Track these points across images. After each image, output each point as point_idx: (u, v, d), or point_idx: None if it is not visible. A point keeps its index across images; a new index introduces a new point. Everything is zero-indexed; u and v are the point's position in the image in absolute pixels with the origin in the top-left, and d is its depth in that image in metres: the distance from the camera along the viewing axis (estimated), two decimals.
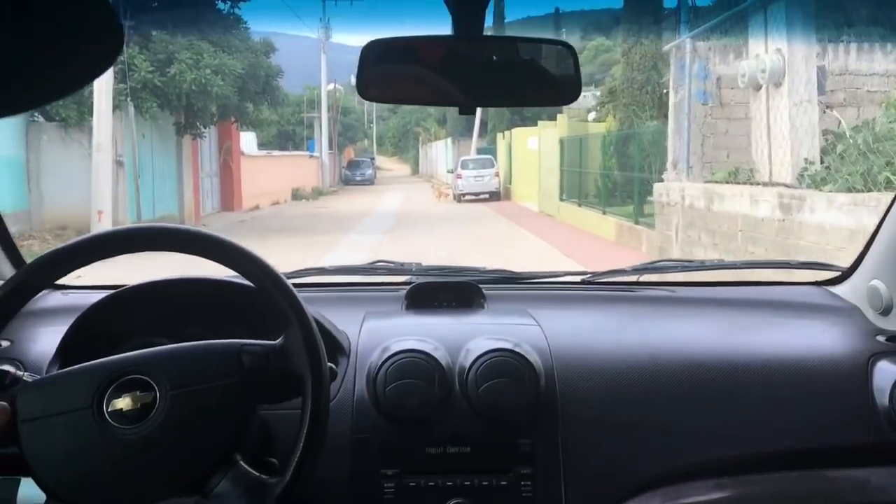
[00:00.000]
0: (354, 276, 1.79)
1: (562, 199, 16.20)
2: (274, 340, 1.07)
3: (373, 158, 43.14)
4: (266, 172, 22.62)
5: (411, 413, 1.24)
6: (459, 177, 22.86)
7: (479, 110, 26.21)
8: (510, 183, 22.99)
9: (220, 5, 14.88)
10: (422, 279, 1.65)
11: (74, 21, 0.46)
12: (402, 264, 1.75)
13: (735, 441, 1.31)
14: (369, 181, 36.47)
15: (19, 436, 0.99)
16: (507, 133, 24.83)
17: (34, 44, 0.44)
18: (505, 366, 1.25)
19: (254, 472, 1.01)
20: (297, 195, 24.88)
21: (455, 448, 1.25)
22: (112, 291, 1.31)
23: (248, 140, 28.13)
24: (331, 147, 33.25)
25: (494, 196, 22.36)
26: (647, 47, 13.47)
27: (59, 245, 1.06)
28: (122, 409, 0.99)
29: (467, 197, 22.35)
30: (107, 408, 0.99)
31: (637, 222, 11.15)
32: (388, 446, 1.25)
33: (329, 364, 1.05)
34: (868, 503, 1.32)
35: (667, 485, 1.29)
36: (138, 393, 1.00)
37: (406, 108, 45.44)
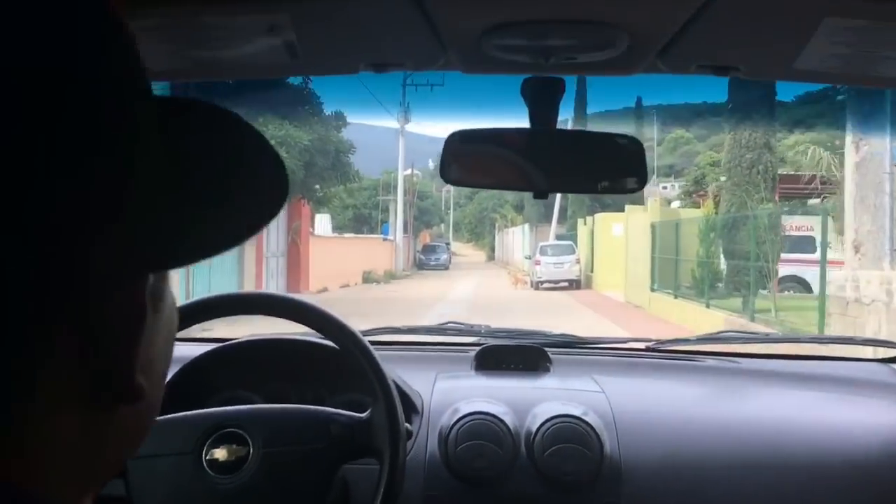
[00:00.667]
0: (425, 336, 1.87)
1: (653, 289, 14.67)
2: (355, 403, 1.25)
3: (448, 244, 42.51)
4: (337, 254, 21.96)
5: (480, 473, 1.28)
6: (538, 263, 21.59)
7: (558, 197, 24.86)
8: (591, 271, 21.54)
9: (294, 80, 14.31)
10: (490, 341, 1.70)
11: (240, 167, 0.45)
12: (471, 326, 1.83)
13: None
14: (444, 266, 35.59)
15: (127, 472, 1.07)
16: (588, 219, 23.63)
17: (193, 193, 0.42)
18: (570, 431, 1.28)
19: None
20: (368, 278, 24.28)
21: None
22: (213, 346, 1.41)
23: (322, 222, 27.95)
24: (405, 231, 32.66)
25: (574, 284, 20.96)
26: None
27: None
28: (218, 458, 1.09)
29: (545, 284, 20.97)
30: (205, 456, 1.09)
31: (753, 319, 9.49)
32: None
33: (405, 424, 1.13)
34: None
35: None
36: (234, 446, 1.10)
37: (483, 194, 45.12)
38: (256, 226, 0.46)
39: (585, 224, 23.70)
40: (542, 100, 1.05)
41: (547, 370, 1.58)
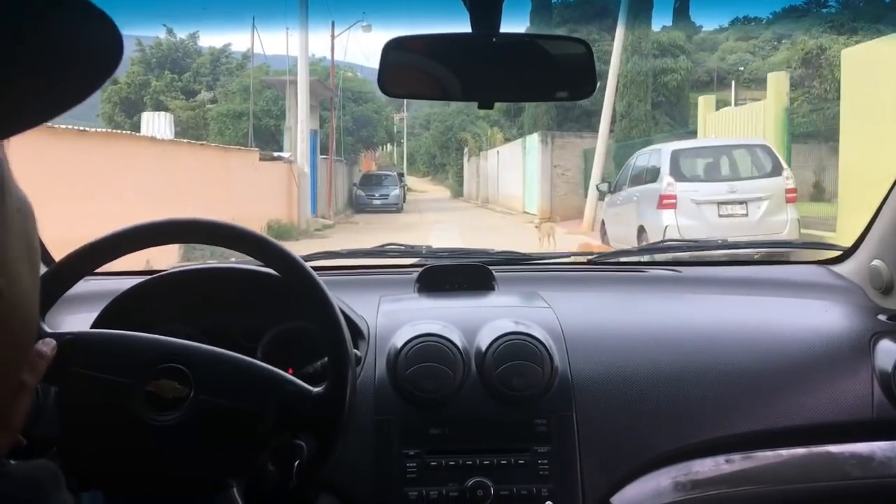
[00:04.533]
0: (365, 259, 1.80)
1: None
2: (299, 332, 1.32)
3: (402, 173, 29.60)
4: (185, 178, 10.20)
5: (431, 395, 1.27)
6: (670, 199, 8.49)
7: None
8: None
9: None
10: (432, 261, 1.68)
11: (71, 31, 0.44)
12: (412, 247, 1.81)
13: (742, 419, 1.34)
14: (395, 206, 22.96)
15: (58, 380, 1.00)
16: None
17: (29, 59, 0.42)
18: (520, 348, 1.29)
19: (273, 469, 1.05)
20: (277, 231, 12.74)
21: (473, 429, 1.28)
22: (138, 280, 1.35)
23: (154, 122, 15.00)
24: (323, 152, 19.60)
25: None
26: None
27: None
28: (158, 393, 1.02)
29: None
30: (145, 386, 1.02)
31: None
32: (409, 427, 1.28)
33: (354, 350, 1.11)
34: (871, 477, 1.36)
35: (678, 461, 1.32)
36: (176, 384, 1.02)
37: (450, 109, 32.34)
38: (85, 92, 0.46)
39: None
40: (481, 1, 1.02)
41: (492, 289, 1.58)
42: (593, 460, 1.27)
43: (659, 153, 9.29)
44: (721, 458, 1.33)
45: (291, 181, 15.38)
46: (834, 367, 1.39)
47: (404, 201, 26.11)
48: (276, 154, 16.55)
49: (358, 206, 23.38)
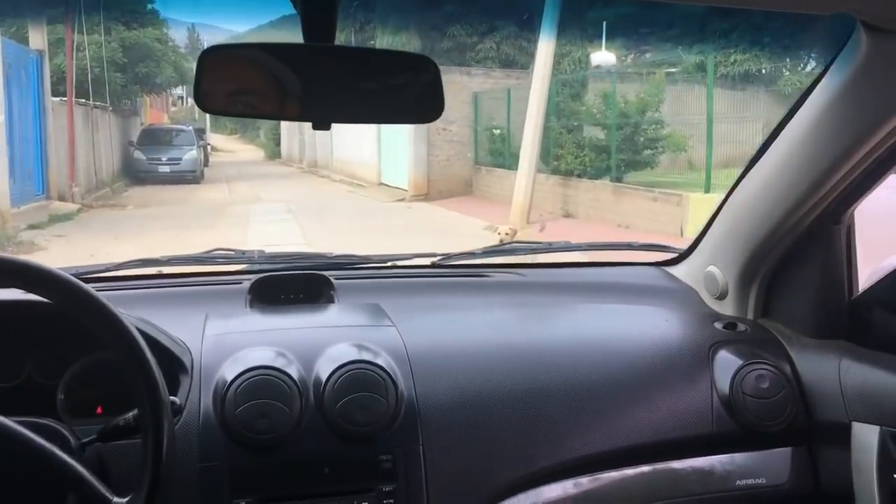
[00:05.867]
0: (192, 266, 1.61)
1: None
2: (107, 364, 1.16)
3: (202, 129, 22.61)
4: None
5: (264, 436, 1.15)
6: None
7: None
8: None
9: None
10: (265, 267, 1.57)
11: None
12: (243, 252, 1.65)
13: (588, 440, 1.32)
14: (191, 174, 16.40)
15: None
16: None
17: None
18: (363, 378, 1.19)
19: None
20: None
21: (313, 471, 1.18)
22: None
23: None
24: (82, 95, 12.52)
25: None
26: None
27: None
28: None
29: None
30: None
31: None
32: (240, 474, 1.16)
33: (171, 398, 0.98)
34: (712, 492, 1.37)
35: (527, 488, 1.28)
36: None
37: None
38: None
39: None
40: (315, 7, 0.90)
41: (331, 300, 1.49)
42: (442, 494, 1.22)
43: None
44: (569, 483, 1.31)
45: None
46: (676, 379, 1.39)
47: (206, 166, 19.33)
48: None
49: (136, 174, 16.37)
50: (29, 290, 0.96)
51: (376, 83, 0.95)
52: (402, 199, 11.44)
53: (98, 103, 14.78)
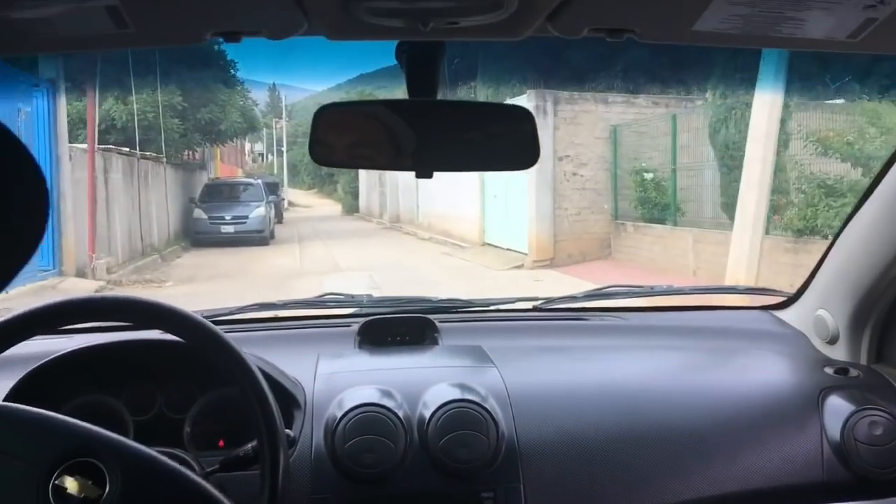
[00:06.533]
0: (304, 310, 1.71)
1: None
2: (230, 401, 1.23)
3: (276, 183, 20.67)
4: None
5: (371, 470, 1.21)
6: None
7: None
8: None
9: None
10: (373, 310, 1.64)
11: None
12: (352, 297, 1.73)
13: (693, 483, 1.30)
14: (258, 235, 14.12)
15: None
16: None
17: None
18: (465, 417, 1.23)
19: None
20: None
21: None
22: (54, 356, 1.27)
23: None
24: (128, 144, 10.55)
25: None
26: None
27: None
28: (68, 489, 0.90)
29: None
30: (54, 479, 0.90)
31: None
32: None
33: (286, 431, 1.04)
34: None
35: None
36: (89, 483, 0.91)
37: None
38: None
39: None
40: (419, 66, 0.98)
41: (435, 342, 1.54)
42: None
43: None
44: None
45: None
46: (784, 425, 1.36)
47: (279, 222, 17.07)
48: None
49: (195, 235, 14.12)
50: (168, 332, 1.02)
51: (477, 133, 1.03)
52: (520, 266, 8.67)
53: (149, 153, 12.59)
